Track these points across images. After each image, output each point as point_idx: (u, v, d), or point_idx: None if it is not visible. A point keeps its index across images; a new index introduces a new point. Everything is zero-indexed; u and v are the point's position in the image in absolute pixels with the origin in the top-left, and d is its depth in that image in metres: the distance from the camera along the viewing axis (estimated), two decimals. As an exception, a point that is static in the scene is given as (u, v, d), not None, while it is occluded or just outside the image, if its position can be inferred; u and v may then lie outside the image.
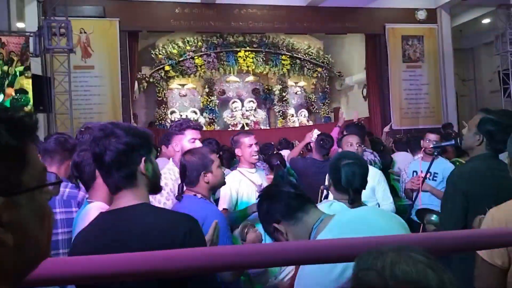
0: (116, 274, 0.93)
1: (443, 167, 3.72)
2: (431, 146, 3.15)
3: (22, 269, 0.65)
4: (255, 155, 3.14)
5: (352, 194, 1.93)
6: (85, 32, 8.35)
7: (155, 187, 1.45)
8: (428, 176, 3.67)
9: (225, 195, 3.00)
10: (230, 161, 4.44)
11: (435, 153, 2.78)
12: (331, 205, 1.94)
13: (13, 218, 0.60)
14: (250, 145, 3.12)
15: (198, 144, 2.62)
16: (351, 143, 3.35)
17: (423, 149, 3.65)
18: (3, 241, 0.59)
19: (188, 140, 2.61)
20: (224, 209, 2.93)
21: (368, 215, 1.42)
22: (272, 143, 6.51)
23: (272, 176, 4.38)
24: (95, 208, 1.77)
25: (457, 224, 2.00)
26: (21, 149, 0.63)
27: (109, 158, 1.32)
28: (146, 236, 1.27)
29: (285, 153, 5.30)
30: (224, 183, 2.35)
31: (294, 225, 1.41)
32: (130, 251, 0.98)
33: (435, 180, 3.69)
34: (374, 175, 3.13)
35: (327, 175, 2.14)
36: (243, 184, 3.06)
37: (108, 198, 1.87)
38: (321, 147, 4.07)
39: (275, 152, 5.17)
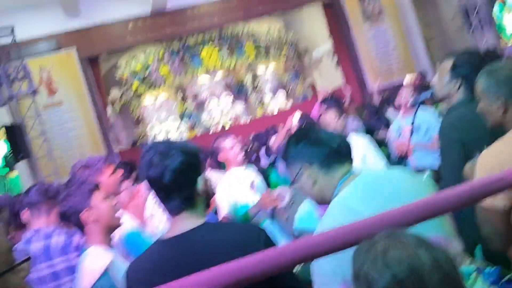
0: None
1: (424, 117, 3.73)
2: (410, 104, 3.15)
3: None
4: (240, 154, 3.11)
5: None
6: (45, 70, 8.17)
7: (207, 205, 1.42)
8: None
9: (221, 203, 2.99)
10: (218, 163, 4.37)
11: (417, 106, 2.77)
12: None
13: None
14: (232, 147, 3.08)
15: None
16: (329, 121, 3.34)
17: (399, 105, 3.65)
18: None
19: None
20: (224, 217, 2.92)
21: (394, 176, 1.37)
22: (262, 131, 6.45)
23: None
24: (88, 255, 1.74)
25: (458, 176, 1.98)
26: None
27: (169, 179, 1.26)
28: (229, 253, 1.19)
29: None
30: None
31: (325, 174, 1.35)
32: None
33: (419, 134, 3.70)
34: (362, 143, 3.12)
35: None
36: (234, 187, 3.03)
37: (105, 239, 1.83)
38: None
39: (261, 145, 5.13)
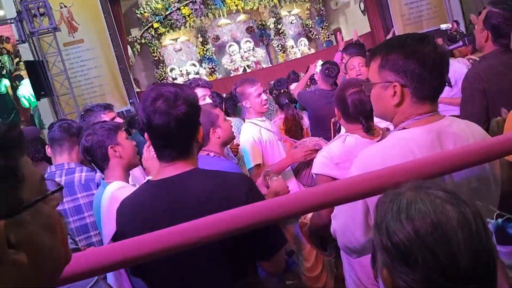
0: (186, 242, 0.91)
1: (453, 69, 3.60)
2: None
3: (46, 281, 0.65)
4: (266, 104, 2.94)
5: (364, 121, 1.87)
6: (65, 6, 8.07)
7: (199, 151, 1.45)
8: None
9: (253, 149, 2.77)
10: (234, 109, 4.35)
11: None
12: (345, 139, 1.89)
13: (22, 236, 0.59)
14: (259, 95, 2.89)
15: (208, 100, 2.58)
16: (353, 65, 3.24)
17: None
18: (17, 261, 0.58)
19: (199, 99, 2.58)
20: (257, 165, 2.73)
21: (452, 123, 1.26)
22: (284, 78, 6.35)
23: (283, 116, 4.32)
24: (117, 187, 1.78)
25: (480, 125, 1.94)
26: (13, 167, 0.60)
27: (174, 127, 1.27)
28: (208, 199, 1.25)
29: (294, 86, 5.17)
30: (233, 136, 2.30)
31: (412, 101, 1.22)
32: (192, 216, 0.96)
33: (449, 86, 3.58)
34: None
35: (335, 107, 2.07)
36: (264, 133, 2.87)
37: (124, 176, 1.88)
38: (327, 76, 3.96)
39: (282, 91, 5.05)
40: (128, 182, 1.91)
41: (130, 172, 2.00)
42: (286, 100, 4.33)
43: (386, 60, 1.22)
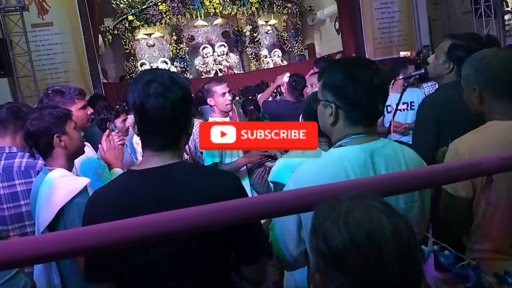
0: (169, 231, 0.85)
1: (418, 95, 3.69)
2: (400, 77, 3.10)
3: None
4: (229, 104, 3.01)
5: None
6: (38, -13, 7.81)
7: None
8: (404, 107, 3.65)
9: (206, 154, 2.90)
10: (197, 110, 4.35)
11: (405, 84, 2.73)
12: (303, 152, 1.90)
13: None
14: (223, 94, 2.96)
15: None
16: (312, 82, 3.27)
17: (391, 82, 3.61)
18: None
19: None
20: (214, 163, 2.85)
21: (390, 147, 1.30)
22: (252, 85, 6.38)
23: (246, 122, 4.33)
24: (60, 175, 1.70)
25: (429, 154, 1.98)
26: None
27: (168, 112, 1.20)
28: (197, 194, 1.19)
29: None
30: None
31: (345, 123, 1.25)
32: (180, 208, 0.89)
33: (413, 109, 3.68)
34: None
35: (300, 117, 2.07)
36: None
37: (68, 165, 1.80)
38: (293, 88, 3.99)
39: (249, 97, 5.08)
40: (71, 171, 1.83)
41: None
42: (251, 107, 4.35)
43: (328, 80, 1.25)
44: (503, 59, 1.46)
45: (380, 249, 0.73)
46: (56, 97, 2.19)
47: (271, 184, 2.07)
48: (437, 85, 2.59)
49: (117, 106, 3.08)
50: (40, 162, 1.97)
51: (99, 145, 2.20)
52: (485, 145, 1.40)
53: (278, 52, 11.92)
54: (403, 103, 3.60)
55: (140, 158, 2.74)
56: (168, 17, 10.46)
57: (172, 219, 0.88)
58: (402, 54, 6.61)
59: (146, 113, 1.21)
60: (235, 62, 11.37)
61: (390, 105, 3.87)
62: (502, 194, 1.36)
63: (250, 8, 11.05)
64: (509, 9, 10.22)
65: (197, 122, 3.60)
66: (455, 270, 0.95)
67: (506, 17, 10.06)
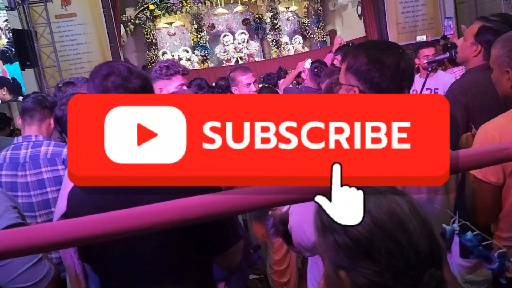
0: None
1: (443, 81, 3.61)
2: (425, 61, 3.02)
3: None
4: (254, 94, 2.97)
5: None
6: (61, -22, 7.91)
7: None
8: (428, 93, 3.58)
9: None
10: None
11: (429, 69, 2.66)
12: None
13: None
14: (248, 85, 2.82)
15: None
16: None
17: (416, 65, 3.52)
18: None
19: (175, 87, 2.35)
20: None
21: None
22: (274, 73, 6.33)
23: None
24: None
25: (458, 139, 1.93)
26: None
27: None
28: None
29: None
30: None
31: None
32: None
33: None
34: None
35: None
36: None
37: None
38: (315, 74, 3.94)
39: (266, 85, 5.04)
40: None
41: None
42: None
43: (352, 64, 1.21)
44: None
45: (405, 226, 0.72)
46: (68, 88, 2.24)
47: None
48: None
49: None
50: (65, 150, 2.01)
51: None
52: (516, 129, 1.35)
53: (299, 38, 11.78)
54: (427, 89, 3.52)
55: None
56: (188, 5, 10.45)
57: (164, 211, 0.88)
58: (418, 38, 6.42)
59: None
60: (255, 49, 11.30)
61: (415, 90, 3.80)
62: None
63: (271, -7, 10.95)
64: (540, -11, 9.81)
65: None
66: (477, 252, 0.94)
67: (537, -2, 9.67)
